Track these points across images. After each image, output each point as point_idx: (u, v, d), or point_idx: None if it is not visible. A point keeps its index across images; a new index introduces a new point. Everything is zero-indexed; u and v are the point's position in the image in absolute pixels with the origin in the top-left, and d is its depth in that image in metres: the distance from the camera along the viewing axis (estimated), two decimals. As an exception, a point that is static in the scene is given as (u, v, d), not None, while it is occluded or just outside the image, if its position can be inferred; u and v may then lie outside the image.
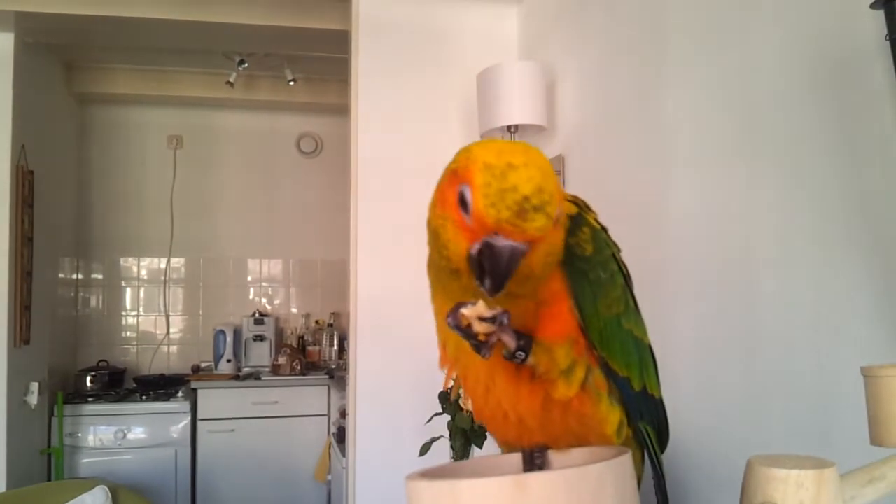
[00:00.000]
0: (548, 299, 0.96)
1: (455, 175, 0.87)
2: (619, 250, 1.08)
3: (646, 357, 1.10)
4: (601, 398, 1.02)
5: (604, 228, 1.07)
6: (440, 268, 0.94)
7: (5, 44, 4.19)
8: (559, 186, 0.86)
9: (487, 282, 0.85)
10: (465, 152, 0.87)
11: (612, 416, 1.02)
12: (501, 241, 0.83)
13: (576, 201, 1.04)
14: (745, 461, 0.78)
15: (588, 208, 1.06)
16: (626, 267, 1.09)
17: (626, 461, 0.82)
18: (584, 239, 0.99)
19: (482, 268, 0.85)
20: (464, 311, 0.88)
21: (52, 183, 4.87)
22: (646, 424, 1.10)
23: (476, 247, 0.85)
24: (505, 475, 0.74)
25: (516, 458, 1.03)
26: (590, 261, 0.98)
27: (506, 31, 3.62)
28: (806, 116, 1.67)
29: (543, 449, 1.01)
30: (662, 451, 1.16)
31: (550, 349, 0.96)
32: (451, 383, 1.10)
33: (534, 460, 1.01)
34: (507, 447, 1.08)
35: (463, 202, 0.85)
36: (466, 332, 0.89)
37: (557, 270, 0.96)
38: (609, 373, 1.03)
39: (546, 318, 0.96)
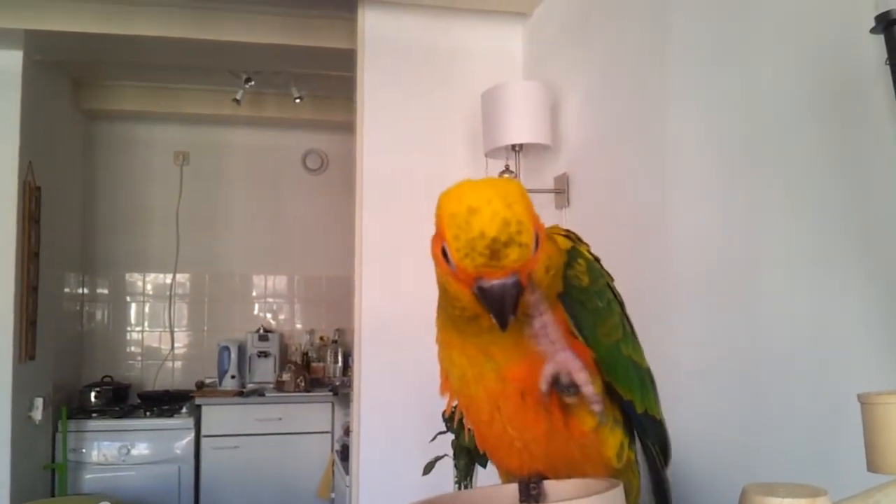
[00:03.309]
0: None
1: (436, 230, 0.92)
2: (612, 279, 1.11)
3: (645, 381, 1.12)
4: (605, 423, 1.03)
5: (597, 259, 1.09)
6: (456, 317, 0.97)
7: (14, 61, 4.22)
8: (529, 208, 0.89)
9: (494, 320, 0.89)
10: (439, 201, 0.91)
11: (612, 439, 1.04)
12: (488, 283, 0.87)
13: (569, 235, 1.07)
14: (742, 486, 0.78)
15: (580, 241, 1.09)
16: (619, 295, 1.11)
17: (618, 494, 0.83)
18: (580, 271, 1.02)
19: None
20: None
21: (59, 199, 4.89)
22: (652, 443, 1.13)
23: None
24: None
25: (513, 489, 1.05)
26: (587, 291, 1.01)
27: (510, 50, 3.64)
28: (808, 137, 1.68)
29: (540, 480, 1.03)
30: (666, 466, 1.18)
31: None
32: (452, 408, 1.12)
33: (530, 491, 1.02)
34: (508, 476, 1.10)
35: (446, 256, 0.89)
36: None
37: (557, 302, 0.99)
38: (614, 396, 1.06)
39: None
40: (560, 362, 0.92)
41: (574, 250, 1.04)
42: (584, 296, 1.01)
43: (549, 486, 1.02)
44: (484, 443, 1.08)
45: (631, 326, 1.12)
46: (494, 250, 0.84)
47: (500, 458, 1.08)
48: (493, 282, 0.86)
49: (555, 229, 1.06)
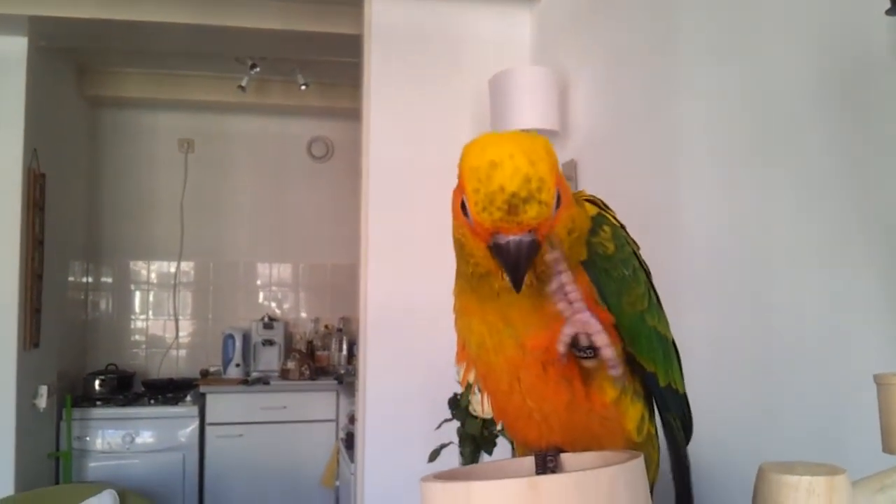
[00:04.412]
0: None
1: (458, 182, 0.89)
2: (638, 247, 1.09)
3: (669, 352, 1.10)
4: (626, 394, 1.02)
5: (622, 226, 1.07)
6: (470, 275, 0.95)
7: (19, 48, 4.21)
8: (553, 166, 0.87)
9: (507, 278, 0.87)
10: (462, 153, 0.89)
11: (632, 411, 1.03)
12: (504, 239, 0.85)
13: (594, 200, 1.05)
14: (757, 468, 0.77)
15: (606, 207, 1.07)
16: (646, 264, 1.09)
17: (638, 465, 0.82)
18: (605, 238, 0.99)
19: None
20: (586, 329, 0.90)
21: (64, 186, 4.89)
22: (673, 416, 1.11)
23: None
24: (518, 478, 0.75)
25: (529, 462, 1.03)
26: (612, 259, 0.99)
27: (518, 36, 3.62)
28: (819, 124, 1.66)
29: (557, 452, 1.01)
30: (687, 442, 1.16)
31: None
32: (468, 381, 1.10)
33: (546, 463, 1.01)
34: (526, 447, 1.08)
35: (465, 210, 0.87)
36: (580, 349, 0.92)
37: (580, 269, 0.96)
38: (636, 369, 1.04)
39: None
40: (578, 322, 0.89)
41: (600, 216, 1.02)
42: (609, 263, 0.98)
43: (567, 458, 1.01)
44: (501, 413, 1.07)
45: (657, 296, 1.10)
46: (513, 205, 0.82)
47: (517, 430, 1.06)
48: (510, 237, 0.84)
49: (581, 194, 1.04)
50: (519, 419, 1.03)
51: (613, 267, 0.99)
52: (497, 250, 0.86)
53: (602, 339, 0.89)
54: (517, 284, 0.86)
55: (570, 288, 0.89)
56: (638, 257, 1.07)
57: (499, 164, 0.83)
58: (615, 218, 1.06)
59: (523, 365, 0.97)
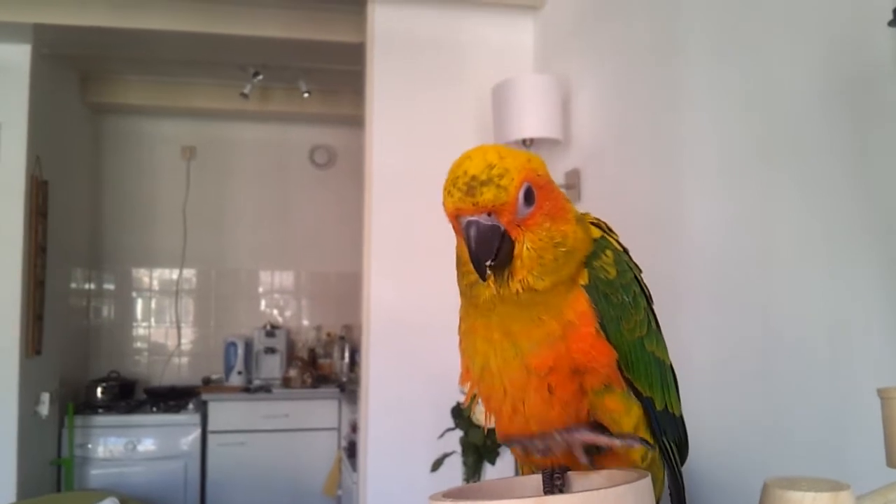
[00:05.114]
0: (574, 320, 0.96)
1: None
2: (640, 271, 1.09)
3: (667, 377, 1.11)
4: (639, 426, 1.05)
5: (625, 250, 1.07)
6: (465, 287, 0.98)
7: (22, 55, 4.21)
8: (526, 166, 0.91)
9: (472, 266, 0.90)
10: None
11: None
12: (464, 220, 0.89)
13: (598, 224, 1.05)
14: (760, 482, 0.77)
15: (610, 231, 1.07)
16: (647, 288, 1.10)
17: (646, 484, 0.82)
18: (607, 262, 1.00)
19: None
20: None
21: (66, 193, 4.89)
22: (669, 440, 1.11)
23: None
24: (525, 497, 0.76)
25: (536, 480, 1.03)
26: (613, 284, 0.99)
27: (521, 44, 3.62)
28: (823, 131, 1.66)
29: (564, 470, 1.01)
30: (682, 464, 1.16)
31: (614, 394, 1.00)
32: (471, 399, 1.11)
33: (554, 482, 1.01)
34: (530, 466, 1.08)
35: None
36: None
37: (581, 292, 0.97)
38: (633, 392, 1.04)
39: (579, 339, 0.96)
40: (583, 440, 0.95)
41: (603, 240, 1.03)
42: (610, 288, 0.99)
43: (574, 476, 1.01)
44: (504, 435, 1.07)
45: (656, 322, 1.11)
46: (471, 187, 0.87)
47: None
48: (469, 218, 0.89)
49: (587, 217, 1.05)
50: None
51: (614, 292, 0.99)
52: (464, 235, 0.90)
53: (605, 441, 0.96)
54: (478, 267, 0.89)
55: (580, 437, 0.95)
56: (639, 282, 1.07)
57: (470, 156, 0.89)
58: (618, 242, 1.07)
59: (528, 387, 0.97)
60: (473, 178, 0.88)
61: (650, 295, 1.10)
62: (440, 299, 3.48)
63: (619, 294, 1.00)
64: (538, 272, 0.91)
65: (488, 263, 0.89)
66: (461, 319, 1.05)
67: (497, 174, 0.87)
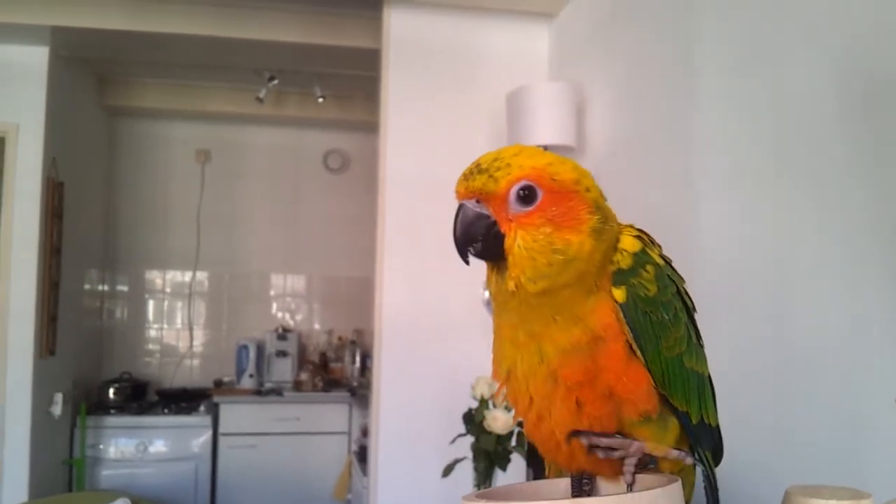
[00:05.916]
0: (602, 335, 0.95)
1: None
2: (682, 281, 1.07)
3: (705, 390, 1.09)
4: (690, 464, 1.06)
5: (668, 262, 1.06)
6: (487, 283, 1.00)
7: (40, 57, 4.24)
8: (543, 165, 0.93)
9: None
10: None
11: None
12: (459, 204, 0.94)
13: (640, 236, 1.03)
14: (774, 491, 0.77)
15: (653, 243, 1.05)
16: (690, 299, 1.08)
17: (676, 489, 0.82)
18: (647, 279, 0.98)
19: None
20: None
21: (81, 195, 4.92)
22: (704, 450, 1.10)
23: None
24: (556, 500, 0.77)
25: (564, 484, 1.04)
26: (654, 302, 0.97)
27: (536, 51, 3.62)
28: (840, 141, 1.66)
29: (592, 476, 1.01)
30: (717, 465, 1.16)
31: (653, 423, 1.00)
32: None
33: (582, 486, 1.01)
34: (557, 468, 1.08)
35: None
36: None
37: (613, 306, 0.95)
38: (669, 406, 1.03)
39: (608, 356, 0.95)
40: (645, 451, 0.96)
41: (643, 254, 1.00)
42: (651, 307, 0.97)
43: (602, 482, 1.01)
44: (530, 437, 1.06)
45: (697, 333, 1.09)
46: (470, 172, 0.92)
47: (546, 452, 1.06)
48: (461, 202, 0.93)
49: (630, 229, 1.03)
50: (546, 445, 1.03)
51: (654, 310, 0.97)
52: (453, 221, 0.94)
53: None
54: (458, 249, 0.93)
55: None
56: (681, 294, 1.05)
57: (498, 150, 0.95)
58: (661, 255, 1.04)
59: (555, 397, 0.96)
60: (477, 165, 0.92)
61: (693, 305, 1.08)
62: (452, 305, 3.50)
63: (659, 312, 0.98)
64: (531, 274, 0.91)
65: (473, 252, 0.94)
66: (494, 317, 1.06)
67: (496, 166, 0.91)
